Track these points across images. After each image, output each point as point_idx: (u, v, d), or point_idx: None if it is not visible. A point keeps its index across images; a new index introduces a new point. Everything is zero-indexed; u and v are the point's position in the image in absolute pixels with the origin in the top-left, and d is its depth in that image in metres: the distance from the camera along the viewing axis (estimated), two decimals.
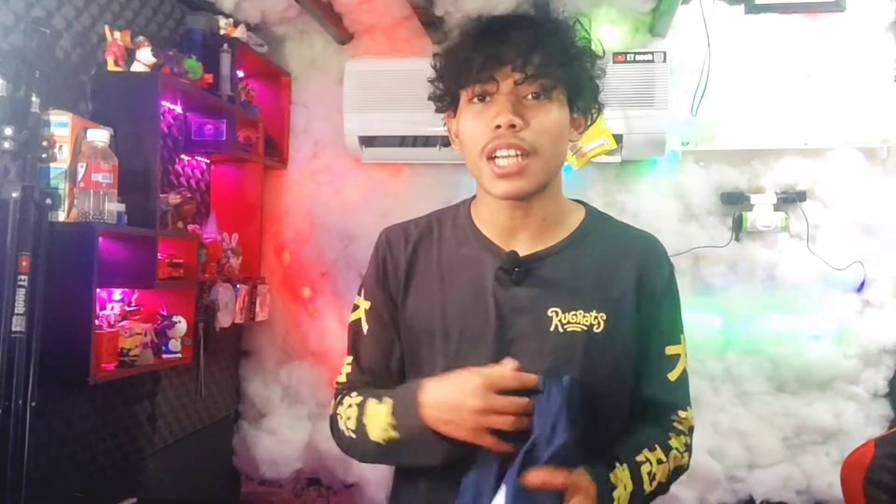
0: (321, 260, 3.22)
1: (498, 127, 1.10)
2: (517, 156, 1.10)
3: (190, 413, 2.91)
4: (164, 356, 2.50)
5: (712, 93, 2.88)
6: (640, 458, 1.13)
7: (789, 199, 2.92)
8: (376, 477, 3.07)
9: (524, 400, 1.04)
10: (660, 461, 1.14)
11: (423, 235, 1.24)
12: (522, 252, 1.17)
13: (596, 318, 1.15)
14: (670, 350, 1.21)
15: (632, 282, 1.18)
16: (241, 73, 2.95)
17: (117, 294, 2.40)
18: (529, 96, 1.11)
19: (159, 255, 2.33)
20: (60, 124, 2.04)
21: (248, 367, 3.28)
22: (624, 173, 3.05)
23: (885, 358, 2.90)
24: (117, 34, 2.31)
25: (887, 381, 2.91)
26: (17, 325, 1.84)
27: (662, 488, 1.17)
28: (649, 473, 1.12)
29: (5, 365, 1.82)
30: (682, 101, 2.91)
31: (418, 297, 1.21)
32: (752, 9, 2.70)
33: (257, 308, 3.02)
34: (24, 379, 1.84)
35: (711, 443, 2.92)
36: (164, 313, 2.51)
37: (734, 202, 2.95)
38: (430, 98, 1.21)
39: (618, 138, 2.77)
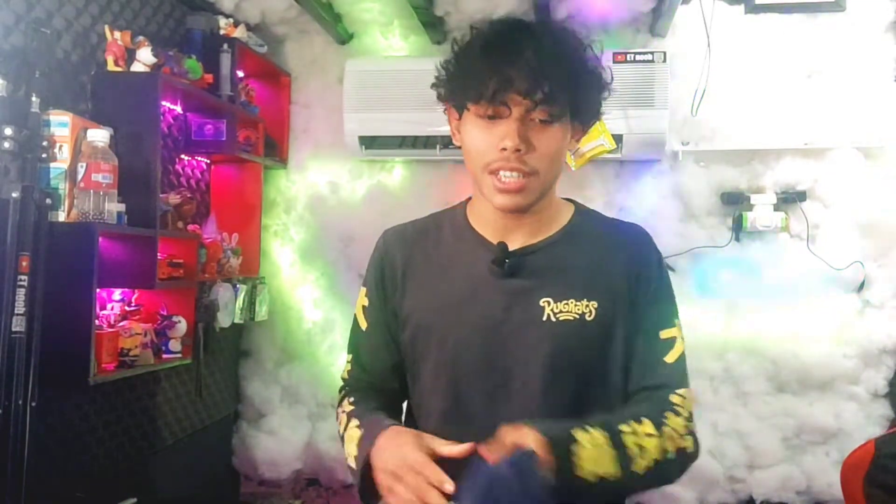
0: (321, 260, 3.22)
1: (504, 149, 1.12)
2: (519, 176, 1.14)
3: (190, 413, 2.91)
4: (164, 356, 2.50)
5: (712, 93, 2.88)
6: (623, 426, 1.09)
7: (789, 199, 2.92)
8: None
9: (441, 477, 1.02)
10: (650, 435, 1.10)
11: (420, 235, 1.29)
12: (515, 247, 1.21)
13: (587, 306, 1.17)
14: (665, 334, 1.21)
15: (622, 271, 1.20)
16: (241, 73, 2.95)
17: (117, 294, 2.40)
18: (537, 120, 1.13)
19: (159, 255, 2.33)
20: (60, 124, 2.04)
21: (248, 367, 3.28)
22: (624, 173, 3.05)
23: (885, 358, 2.90)
24: (117, 34, 2.31)
25: (887, 381, 2.91)
26: (17, 325, 1.85)
27: (662, 470, 1.11)
28: (638, 445, 1.08)
29: (5, 365, 1.82)
30: (682, 101, 2.91)
31: (416, 294, 1.25)
32: (752, 9, 2.70)
33: (257, 308, 3.02)
34: (24, 379, 1.85)
35: (711, 443, 2.92)
36: (164, 313, 2.51)
37: (734, 202, 2.95)
38: (438, 98, 1.23)
39: (618, 138, 2.77)
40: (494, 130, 1.13)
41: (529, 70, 1.09)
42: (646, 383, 1.19)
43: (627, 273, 1.20)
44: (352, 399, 1.26)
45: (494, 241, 1.22)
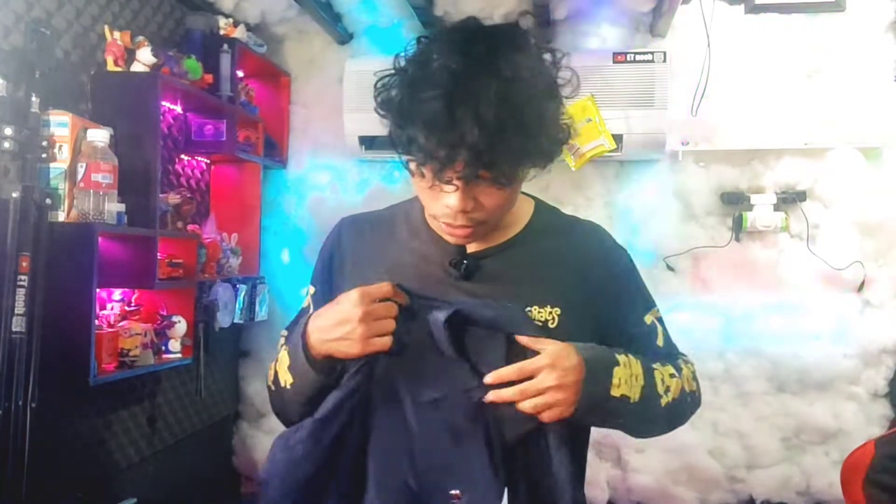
0: None
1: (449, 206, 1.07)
2: (467, 227, 1.10)
3: (190, 413, 2.91)
4: (164, 356, 2.50)
5: (712, 93, 2.88)
6: (654, 364, 1.14)
7: (789, 199, 2.92)
8: None
9: (393, 305, 1.07)
10: (672, 375, 1.16)
11: (375, 227, 1.27)
12: (471, 249, 1.17)
13: (550, 313, 1.13)
14: (647, 319, 1.22)
15: (582, 273, 1.17)
16: (240, 73, 2.95)
17: (117, 294, 2.40)
18: (486, 179, 1.04)
19: (159, 255, 2.33)
20: (60, 124, 2.03)
21: (248, 367, 3.28)
22: (624, 173, 3.05)
23: (885, 358, 2.90)
24: (117, 34, 2.31)
25: (887, 381, 2.91)
26: (17, 325, 1.85)
27: (678, 410, 1.17)
28: (662, 381, 1.13)
29: (5, 365, 1.82)
30: (682, 101, 2.91)
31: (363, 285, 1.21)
32: (752, 9, 2.70)
33: (257, 308, 3.02)
34: (24, 379, 1.85)
35: (711, 443, 2.92)
36: (164, 313, 2.51)
37: (734, 202, 2.95)
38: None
39: (618, 138, 2.76)
40: (440, 192, 1.06)
41: (469, 148, 0.98)
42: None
43: (588, 275, 1.17)
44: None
45: (450, 241, 1.16)
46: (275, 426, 3.21)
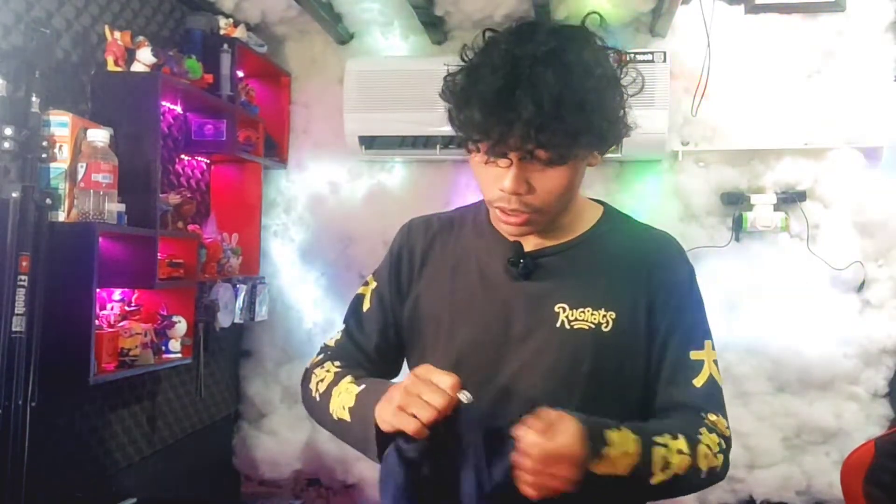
0: (321, 260, 3.23)
1: (503, 189, 1.08)
2: (522, 213, 1.10)
3: (190, 413, 2.91)
4: (164, 356, 2.50)
5: (712, 93, 2.88)
6: (658, 438, 1.04)
7: (789, 199, 2.92)
8: (376, 477, 3.07)
9: (446, 396, 0.97)
10: (680, 451, 1.04)
11: (443, 228, 1.27)
12: (531, 248, 1.17)
13: (605, 316, 1.12)
14: (694, 355, 1.15)
15: (647, 283, 1.15)
16: (241, 73, 2.95)
17: (117, 294, 2.40)
18: (541, 160, 1.05)
19: (159, 255, 2.34)
20: (60, 124, 2.04)
21: (248, 367, 3.28)
22: (624, 173, 3.05)
23: (885, 358, 2.90)
24: (117, 34, 2.31)
25: (887, 381, 2.91)
26: (17, 325, 1.85)
27: (680, 484, 1.06)
28: (663, 458, 1.03)
29: (5, 365, 1.82)
30: (682, 101, 2.91)
31: (429, 286, 1.23)
32: (752, 9, 2.70)
33: (257, 308, 3.02)
34: (24, 379, 1.85)
35: None
36: (164, 313, 2.51)
37: (734, 202, 2.95)
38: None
39: None
40: (496, 170, 1.08)
41: (524, 124, 1.00)
42: (673, 403, 1.14)
43: (652, 286, 1.15)
44: (338, 363, 1.22)
45: (505, 232, 1.18)
46: (275, 426, 3.24)
